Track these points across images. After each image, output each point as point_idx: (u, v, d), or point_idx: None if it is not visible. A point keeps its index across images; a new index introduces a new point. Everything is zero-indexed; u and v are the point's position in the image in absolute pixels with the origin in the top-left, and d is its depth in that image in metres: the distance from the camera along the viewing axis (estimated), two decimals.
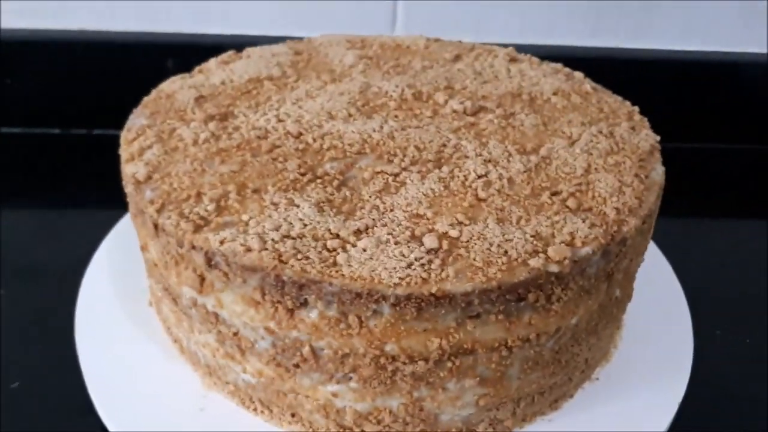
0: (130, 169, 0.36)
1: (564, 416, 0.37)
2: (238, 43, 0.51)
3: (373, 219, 0.33)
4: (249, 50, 0.49)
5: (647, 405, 0.37)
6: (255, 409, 0.37)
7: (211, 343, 0.36)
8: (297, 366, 0.33)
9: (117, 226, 0.49)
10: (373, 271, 0.30)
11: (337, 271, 0.30)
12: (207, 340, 0.36)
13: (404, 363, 0.32)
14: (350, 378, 0.33)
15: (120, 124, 0.67)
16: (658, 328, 0.42)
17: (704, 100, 0.68)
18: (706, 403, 0.41)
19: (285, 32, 0.64)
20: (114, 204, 0.53)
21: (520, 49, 0.50)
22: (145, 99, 0.43)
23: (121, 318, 0.42)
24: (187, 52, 0.64)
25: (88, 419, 0.39)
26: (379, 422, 0.34)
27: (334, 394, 0.34)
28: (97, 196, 0.60)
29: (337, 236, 0.32)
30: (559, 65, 0.48)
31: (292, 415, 0.36)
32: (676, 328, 0.42)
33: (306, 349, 0.32)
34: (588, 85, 0.45)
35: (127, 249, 0.47)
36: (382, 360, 0.32)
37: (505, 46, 0.50)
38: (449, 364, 0.32)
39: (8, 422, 0.39)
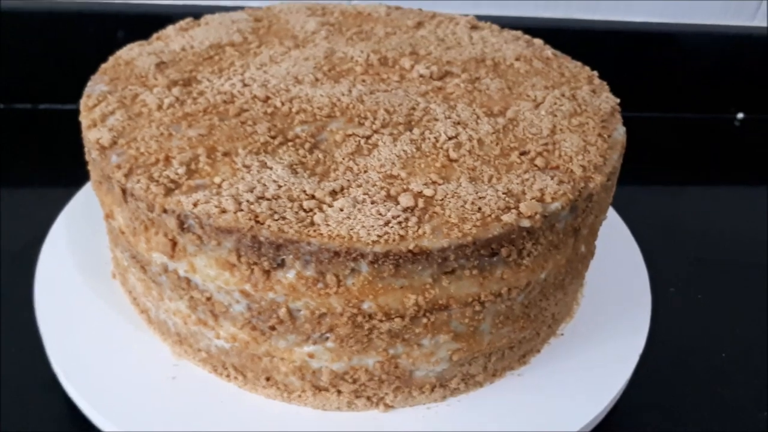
0: (94, 135, 0.35)
1: (532, 370, 0.38)
2: (190, 13, 0.50)
3: (348, 180, 0.33)
4: (207, 17, 0.48)
5: (609, 358, 0.39)
6: (228, 376, 0.36)
7: (183, 310, 0.35)
8: (273, 328, 0.33)
9: (71, 201, 0.48)
10: (351, 229, 0.30)
11: (315, 231, 0.30)
12: (178, 308, 0.35)
13: (381, 320, 0.32)
14: (327, 338, 0.33)
15: (68, 98, 0.65)
16: (617, 286, 0.44)
17: (650, 70, 0.71)
18: (663, 356, 0.43)
19: (239, 2, 0.63)
20: (65, 180, 0.52)
21: (479, 19, 0.51)
22: (103, 66, 0.42)
23: (83, 291, 0.41)
24: (137, 23, 0.62)
25: (54, 396, 0.38)
26: (354, 381, 0.35)
27: (310, 355, 0.34)
28: (47, 172, 0.58)
29: (313, 197, 0.32)
30: (518, 32, 0.49)
31: (267, 379, 0.36)
32: (634, 285, 0.44)
33: (282, 311, 0.32)
34: (549, 51, 0.46)
35: (83, 223, 0.45)
36: (359, 318, 0.32)
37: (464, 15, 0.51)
38: (425, 320, 0.32)
39: None
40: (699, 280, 0.51)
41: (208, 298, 0.33)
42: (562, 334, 0.40)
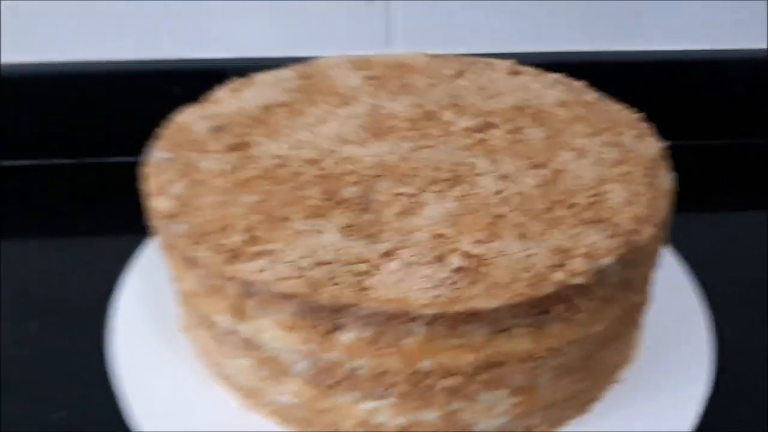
0: (158, 204, 0.37)
1: (593, 418, 0.38)
2: (237, 67, 0.52)
3: (398, 241, 0.34)
4: (256, 77, 0.50)
5: (672, 403, 0.39)
6: (296, 429, 0.38)
7: (249, 367, 0.37)
8: (335, 386, 0.34)
9: (140, 254, 0.50)
10: (403, 292, 0.31)
11: (369, 295, 0.31)
12: (244, 364, 0.37)
13: (439, 378, 0.33)
14: (387, 395, 0.34)
15: (130, 150, 0.68)
16: (675, 327, 0.43)
17: (698, 98, 0.70)
18: (730, 398, 0.42)
19: (282, 52, 0.65)
20: (133, 231, 0.54)
21: (513, 56, 0.51)
22: (162, 132, 0.44)
23: (155, 345, 0.43)
24: (192, 78, 0.65)
25: None
26: None
27: (373, 411, 0.35)
28: (114, 224, 0.61)
29: (366, 260, 0.33)
30: (558, 76, 0.49)
31: None
32: (692, 325, 0.44)
33: (343, 370, 0.33)
34: (590, 95, 0.46)
35: (152, 276, 0.48)
36: (418, 376, 0.33)
37: (500, 55, 0.51)
38: (481, 377, 0.33)
39: None
40: (763, 312, 0.49)
41: (273, 358, 0.35)
42: (622, 381, 0.40)
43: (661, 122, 0.43)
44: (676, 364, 0.41)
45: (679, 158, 0.41)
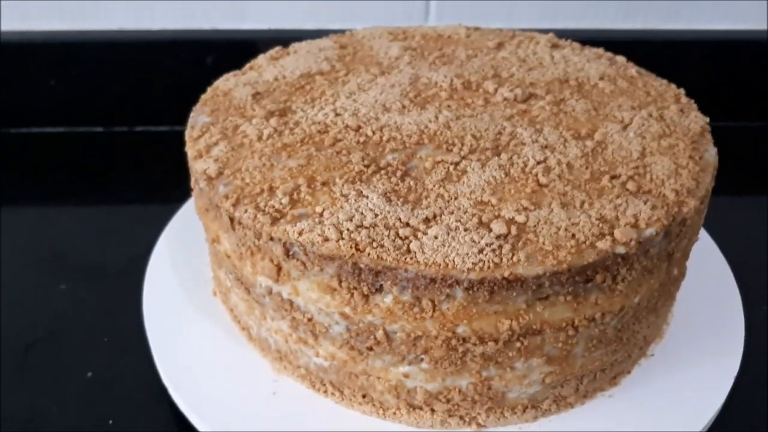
0: (201, 166, 0.38)
1: (623, 391, 0.38)
2: (274, 39, 0.52)
3: (440, 207, 0.34)
4: (295, 45, 0.50)
5: (702, 380, 0.39)
6: (326, 392, 0.38)
7: (284, 329, 0.37)
8: (370, 349, 0.35)
9: (172, 220, 0.51)
10: (446, 257, 0.31)
11: (411, 258, 0.31)
12: (280, 327, 0.37)
13: (474, 344, 0.33)
14: (422, 359, 0.34)
15: (161, 120, 0.69)
16: (707, 304, 0.43)
17: (739, 79, 0.69)
18: (758, 379, 0.42)
19: (318, 25, 0.65)
20: (163, 199, 0.55)
21: (556, 33, 0.51)
22: (203, 97, 0.44)
23: (187, 308, 0.44)
24: (224, 48, 0.66)
25: (162, 407, 0.41)
26: (448, 401, 0.36)
27: (406, 375, 0.35)
28: (145, 191, 0.62)
29: (408, 224, 0.33)
30: (600, 50, 0.49)
31: (363, 396, 0.37)
32: (725, 303, 0.44)
33: (380, 333, 0.34)
34: (633, 69, 0.46)
35: (185, 242, 0.48)
36: (453, 341, 0.33)
37: (538, 31, 0.51)
38: (518, 344, 0.33)
39: (86, 411, 0.41)
40: None
41: (309, 319, 0.35)
42: (652, 355, 0.40)
43: (704, 102, 0.43)
44: (707, 340, 0.41)
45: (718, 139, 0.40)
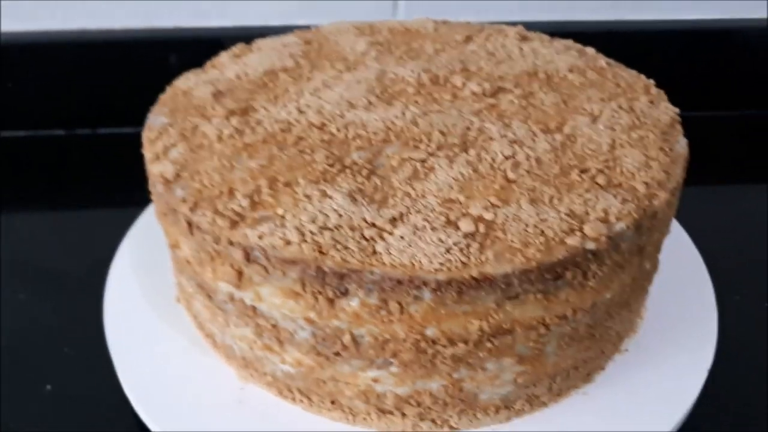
0: (158, 168, 0.36)
1: (597, 388, 0.38)
2: (240, 36, 0.51)
3: (407, 206, 0.33)
4: (259, 42, 0.49)
5: (676, 373, 0.38)
6: (294, 399, 0.37)
7: (248, 335, 0.36)
8: (337, 354, 0.34)
9: (134, 224, 0.49)
10: (413, 257, 0.30)
11: (377, 260, 0.30)
12: (244, 333, 0.36)
13: (444, 346, 0.32)
14: (390, 363, 0.33)
15: (124, 121, 0.67)
16: (680, 297, 0.43)
17: (705, 68, 0.69)
18: (733, 369, 0.42)
19: (284, 22, 0.64)
20: (126, 202, 0.53)
21: (524, 26, 0.50)
22: (162, 96, 0.43)
23: (150, 315, 0.42)
24: (188, 47, 0.64)
25: (125, 419, 0.39)
26: (419, 404, 0.35)
27: (375, 380, 0.34)
28: (107, 195, 0.60)
29: (374, 225, 0.32)
30: (569, 42, 0.48)
31: (332, 402, 0.36)
32: (698, 295, 0.43)
33: (346, 337, 0.33)
34: (602, 60, 0.45)
35: (147, 247, 0.47)
36: (423, 344, 0.32)
37: (506, 24, 0.50)
38: (488, 345, 0.32)
39: (45, 425, 0.40)
40: (765, 285, 0.49)
41: (274, 325, 0.34)
42: (626, 350, 0.40)
43: (673, 93, 0.42)
44: (681, 333, 0.41)
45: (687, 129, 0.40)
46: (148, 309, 0.43)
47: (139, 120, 0.41)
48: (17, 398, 0.41)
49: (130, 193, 0.49)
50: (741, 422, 0.40)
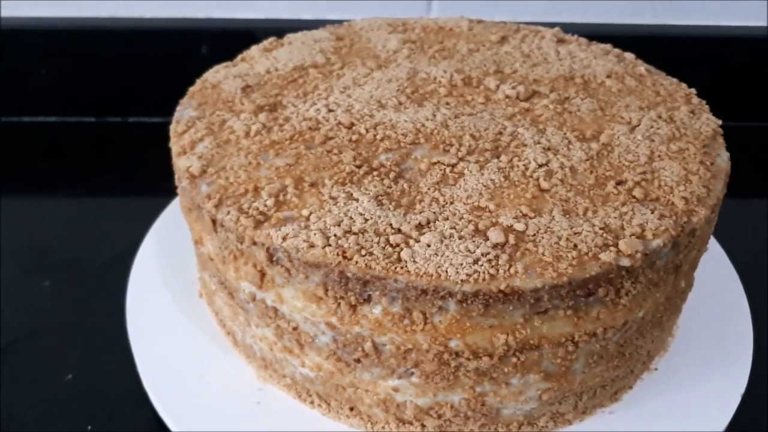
0: (184, 163, 0.36)
1: (624, 408, 0.37)
2: (271, 28, 0.51)
3: (434, 212, 0.32)
4: (290, 36, 0.48)
5: (708, 395, 0.37)
6: (312, 403, 0.37)
7: (269, 336, 0.35)
8: (358, 361, 0.33)
9: (161, 215, 0.49)
10: (439, 267, 0.29)
11: (402, 268, 0.29)
12: (264, 334, 0.36)
13: (468, 359, 0.31)
14: (412, 373, 0.32)
15: (155, 111, 0.67)
16: (715, 316, 0.41)
17: (748, 77, 0.66)
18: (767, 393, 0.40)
19: (316, 16, 0.63)
20: (155, 192, 0.53)
21: (562, 27, 0.48)
22: (191, 89, 0.42)
23: (172, 310, 0.42)
24: (220, 38, 0.64)
25: (143, 412, 0.39)
26: (439, 417, 0.34)
27: (395, 389, 0.33)
28: (136, 184, 0.60)
29: (399, 231, 0.31)
30: (608, 46, 0.47)
31: (351, 409, 0.36)
32: (733, 314, 0.42)
33: (368, 345, 0.32)
34: (642, 66, 0.44)
35: (173, 239, 0.46)
36: (446, 356, 0.31)
37: (543, 25, 0.49)
38: (514, 360, 0.31)
39: (63, 415, 0.40)
40: None
41: (295, 328, 0.34)
42: (656, 369, 0.38)
43: (714, 102, 0.41)
44: (714, 353, 0.39)
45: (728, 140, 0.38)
46: (170, 303, 0.43)
47: (170, 110, 0.41)
48: (38, 387, 0.41)
49: (157, 183, 0.49)
50: None
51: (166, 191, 0.50)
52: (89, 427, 0.39)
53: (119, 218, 0.55)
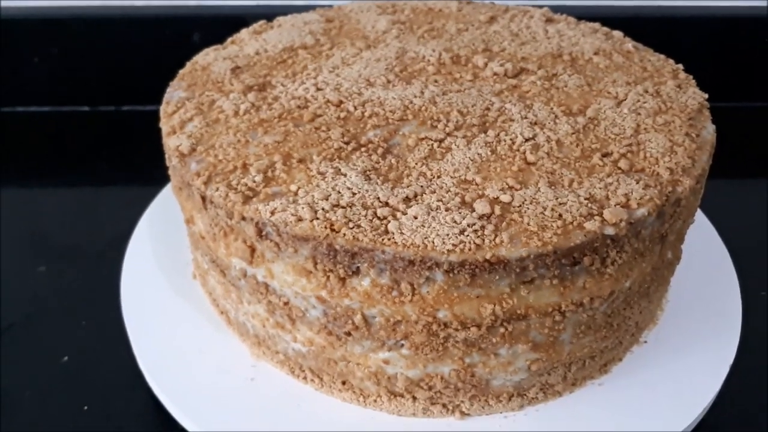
0: (173, 142, 0.36)
1: (613, 380, 0.37)
2: (263, 14, 0.51)
3: (421, 186, 0.32)
4: (280, 19, 0.48)
5: (696, 368, 0.37)
6: (305, 378, 0.37)
7: (261, 313, 0.36)
8: (348, 334, 0.33)
9: (154, 201, 0.49)
10: (425, 238, 0.30)
11: (389, 239, 0.30)
12: (256, 311, 0.36)
13: (456, 329, 0.31)
14: (402, 345, 0.33)
15: (148, 99, 0.67)
16: (703, 289, 0.42)
17: (736, 58, 0.66)
18: (755, 367, 0.41)
19: (307, 1, 0.63)
20: (147, 179, 0.53)
21: (552, 9, 0.49)
22: (181, 71, 0.43)
23: (166, 291, 0.43)
24: (211, 25, 0.64)
25: (138, 392, 0.39)
26: (430, 388, 0.34)
27: (386, 361, 0.34)
28: (129, 172, 0.60)
29: (387, 204, 0.31)
30: (596, 24, 0.47)
31: (343, 383, 0.36)
32: (722, 288, 0.42)
33: (358, 317, 0.32)
34: (629, 44, 0.44)
35: (166, 223, 0.47)
36: (434, 327, 0.31)
37: (537, 6, 0.49)
38: (502, 330, 0.32)
39: (60, 396, 0.40)
40: None
41: (286, 303, 0.34)
42: (645, 342, 0.39)
43: (705, 83, 0.41)
44: (703, 327, 0.39)
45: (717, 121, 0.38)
46: (164, 284, 0.43)
47: (163, 98, 0.41)
48: (34, 368, 0.41)
49: (151, 170, 0.49)
50: (761, 422, 0.39)
51: (161, 178, 0.50)
52: (86, 408, 0.39)
53: (114, 205, 0.55)
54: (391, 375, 0.34)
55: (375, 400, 0.35)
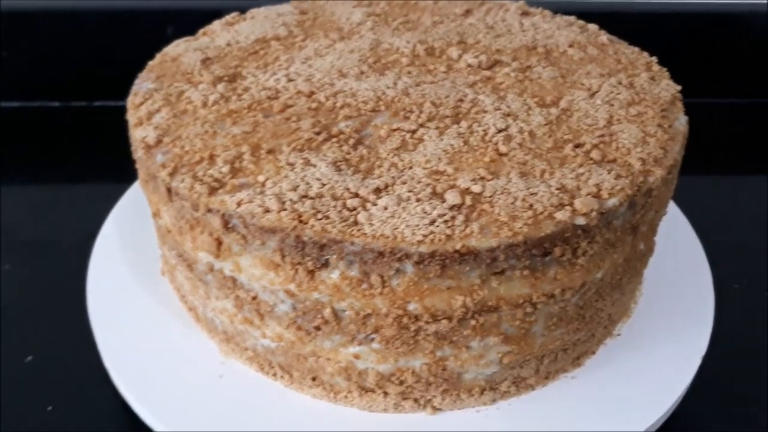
0: (139, 134, 0.35)
1: (586, 373, 0.37)
2: (238, 8, 0.50)
3: (392, 177, 0.32)
4: (253, 11, 0.48)
5: (669, 360, 0.37)
6: (275, 375, 0.36)
7: (229, 308, 0.35)
8: (318, 328, 0.33)
9: (123, 197, 0.48)
10: (395, 229, 0.29)
11: (358, 230, 0.29)
12: (224, 306, 0.35)
13: (427, 322, 0.31)
14: (372, 339, 0.32)
15: (121, 94, 0.66)
16: (677, 283, 0.42)
17: (711, 53, 0.67)
18: (727, 358, 0.41)
19: None
20: (118, 176, 0.52)
21: (528, 3, 0.49)
22: (150, 63, 0.42)
23: (133, 288, 0.42)
24: (186, 18, 0.63)
25: (104, 391, 0.38)
26: (401, 383, 0.34)
27: (356, 356, 0.33)
28: (100, 168, 0.59)
29: (357, 195, 0.31)
30: (572, 18, 0.47)
31: (313, 379, 0.35)
32: (695, 282, 0.42)
33: (327, 311, 0.31)
34: (604, 36, 0.44)
35: (135, 220, 0.46)
36: (405, 320, 0.31)
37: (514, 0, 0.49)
38: (473, 322, 0.31)
39: (24, 396, 0.39)
40: (765, 275, 0.48)
41: (254, 298, 0.33)
42: (619, 335, 0.39)
43: (679, 79, 0.41)
44: (676, 319, 0.39)
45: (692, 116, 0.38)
46: (132, 281, 0.42)
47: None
48: None
49: (123, 166, 0.48)
50: (733, 412, 0.39)
51: (131, 175, 0.49)
52: (50, 408, 0.38)
53: (83, 202, 0.54)
54: (362, 370, 0.34)
55: (346, 396, 0.35)
